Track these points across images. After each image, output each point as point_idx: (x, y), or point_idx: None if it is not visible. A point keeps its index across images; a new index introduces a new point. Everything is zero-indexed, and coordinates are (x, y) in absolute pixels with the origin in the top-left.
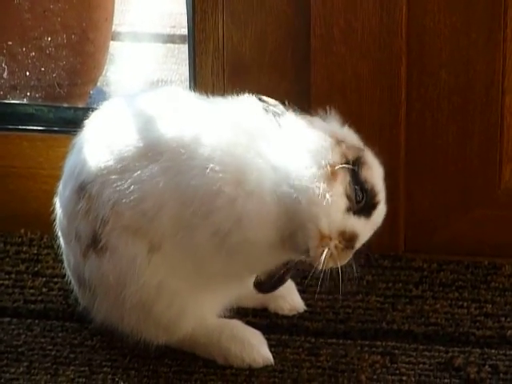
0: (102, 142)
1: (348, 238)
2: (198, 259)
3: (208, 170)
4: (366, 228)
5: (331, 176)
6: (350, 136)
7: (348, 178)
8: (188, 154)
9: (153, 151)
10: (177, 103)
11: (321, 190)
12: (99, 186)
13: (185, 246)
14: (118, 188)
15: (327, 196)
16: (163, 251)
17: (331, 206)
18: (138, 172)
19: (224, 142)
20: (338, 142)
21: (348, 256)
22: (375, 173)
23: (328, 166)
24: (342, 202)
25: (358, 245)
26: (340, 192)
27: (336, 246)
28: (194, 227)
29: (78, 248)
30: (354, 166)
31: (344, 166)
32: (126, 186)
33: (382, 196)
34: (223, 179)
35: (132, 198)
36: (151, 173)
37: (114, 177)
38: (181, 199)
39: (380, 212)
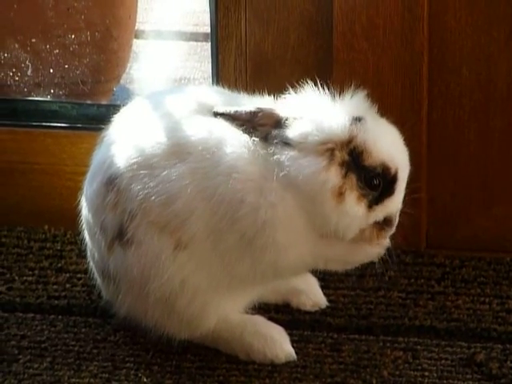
0: (131, 138)
1: (384, 223)
2: (226, 261)
3: (231, 180)
4: (394, 204)
5: (338, 194)
6: (340, 122)
7: (354, 180)
8: (213, 159)
9: (181, 151)
10: (206, 103)
11: (335, 215)
12: (128, 180)
13: (214, 248)
14: (147, 184)
15: (342, 212)
16: (190, 250)
17: (352, 218)
18: (167, 170)
19: (246, 149)
20: (330, 154)
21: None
22: (378, 147)
23: (332, 192)
24: (361, 207)
25: (396, 219)
26: (354, 200)
27: (372, 233)
28: (222, 232)
29: (103, 240)
30: (355, 160)
31: (345, 177)
32: (155, 183)
33: (396, 162)
34: (245, 189)
35: (161, 196)
36: (179, 172)
37: (143, 172)
38: (209, 205)
39: (402, 178)
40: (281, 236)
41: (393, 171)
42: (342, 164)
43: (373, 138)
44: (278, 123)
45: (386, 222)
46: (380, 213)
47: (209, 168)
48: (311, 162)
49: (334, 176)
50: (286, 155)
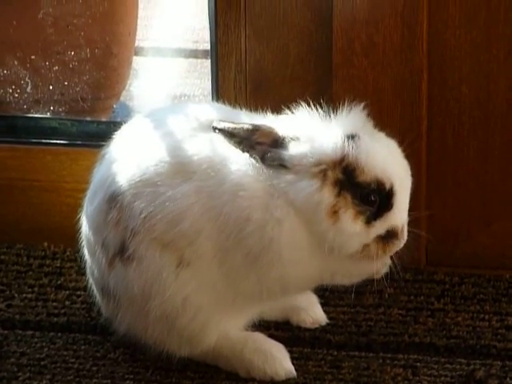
0: (134, 155)
1: (387, 236)
2: (232, 278)
3: (237, 198)
4: (396, 217)
5: (333, 213)
6: (331, 141)
7: (349, 198)
8: (218, 177)
9: (185, 170)
10: (207, 121)
11: (331, 233)
12: (131, 197)
13: (220, 266)
14: (151, 202)
15: (339, 230)
16: (193, 267)
17: (349, 235)
18: (173, 189)
19: (251, 166)
20: (323, 175)
21: (399, 242)
22: (371, 163)
23: (326, 212)
24: (357, 225)
25: (403, 233)
26: (349, 218)
27: (378, 248)
28: (229, 250)
29: (104, 257)
30: (349, 178)
31: (338, 196)
32: (160, 201)
33: (391, 176)
34: (252, 206)
35: (168, 214)
36: (185, 191)
37: (147, 190)
38: (216, 225)
39: (401, 190)
40: (287, 252)
41: (387, 186)
42: (335, 183)
43: (365, 155)
44: (276, 143)
45: (391, 235)
46: (380, 228)
47: (214, 187)
48: (306, 185)
49: (326, 196)
50: (283, 179)
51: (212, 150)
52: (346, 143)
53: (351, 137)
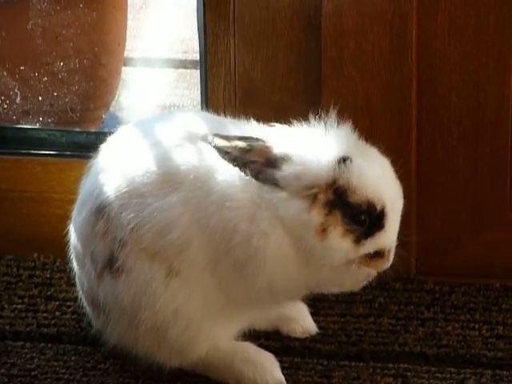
0: (121, 167)
1: (375, 255)
2: (222, 286)
3: (224, 209)
4: (386, 237)
5: (322, 231)
6: (323, 165)
7: (339, 216)
8: (204, 188)
9: (172, 180)
10: (194, 130)
11: (318, 249)
12: (118, 208)
13: (211, 275)
14: (139, 213)
15: (326, 247)
16: (182, 277)
17: (336, 252)
18: (160, 199)
19: (238, 177)
20: (313, 198)
21: (385, 262)
22: (362, 184)
23: (315, 231)
24: (345, 242)
25: (390, 254)
26: (337, 236)
27: (364, 262)
28: (218, 260)
29: (93, 269)
30: (340, 198)
31: (328, 214)
32: (147, 212)
33: (383, 197)
34: (238, 217)
35: (156, 225)
36: (172, 202)
37: (134, 201)
38: (205, 236)
39: (392, 211)
40: (272, 263)
41: (378, 207)
42: (326, 204)
43: (357, 177)
44: (269, 161)
45: (378, 254)
46: (370, 246)
47: (201, 198)
48: (296, 205)
49: (316, 216)
50: (274, 196)
51: (199, 160)
52: (338, 168)
53: (343, 160)
